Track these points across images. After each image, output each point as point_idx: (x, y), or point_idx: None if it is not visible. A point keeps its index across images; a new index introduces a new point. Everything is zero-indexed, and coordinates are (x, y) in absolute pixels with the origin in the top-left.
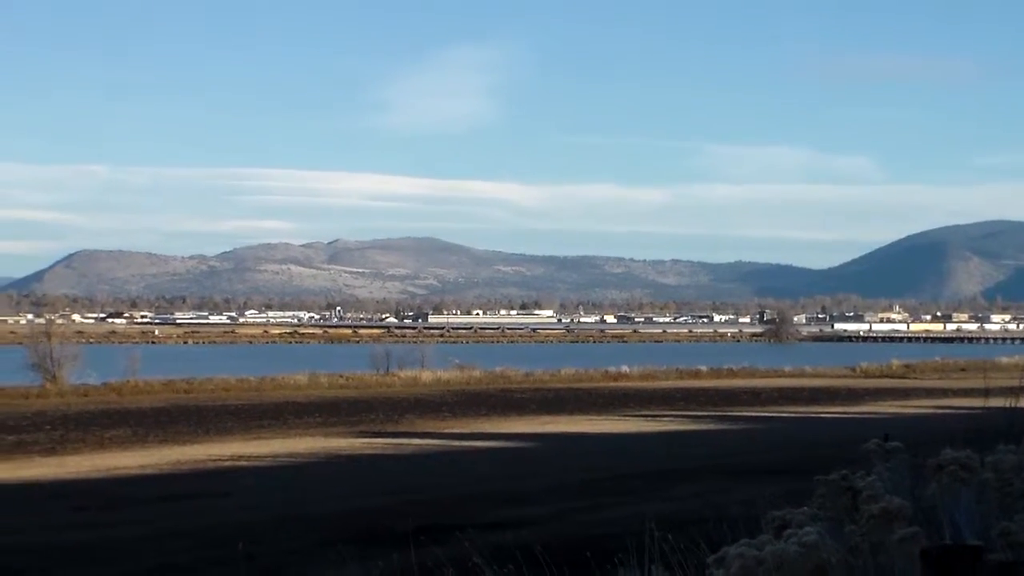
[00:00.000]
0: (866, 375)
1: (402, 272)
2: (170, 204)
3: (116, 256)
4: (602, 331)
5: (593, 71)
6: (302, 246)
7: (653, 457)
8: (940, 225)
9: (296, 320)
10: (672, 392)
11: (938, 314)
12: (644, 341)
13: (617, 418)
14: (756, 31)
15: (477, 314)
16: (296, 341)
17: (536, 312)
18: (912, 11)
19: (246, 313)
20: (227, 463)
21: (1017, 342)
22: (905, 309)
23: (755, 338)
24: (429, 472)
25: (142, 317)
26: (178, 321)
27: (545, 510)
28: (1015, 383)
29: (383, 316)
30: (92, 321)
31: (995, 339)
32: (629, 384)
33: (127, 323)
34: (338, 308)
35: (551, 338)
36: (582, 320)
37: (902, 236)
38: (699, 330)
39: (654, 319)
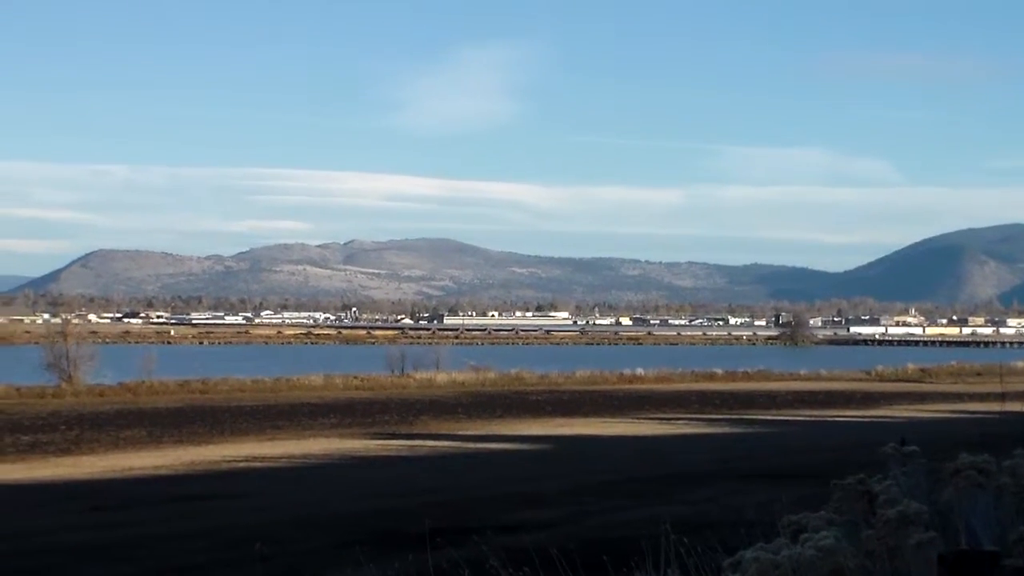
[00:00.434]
0: (882, 379)
1: (418, 273)
2: (187, 204)
3: (132, 256)
4: (616, 333)
5: (610, 72)
6: (318, 247)
7: (668, 460)
8: (956, 228)
9: (311, 321)
10: (687, 395)
11: (954, 318)
12: (659, 343)
13: (632, 421)
14: (774, 33)
15: (492, 316)
16: (311, 342)
17: (552, 314)
18: (930, 14)
19: (262, 314)
20: (242, 464)
21: None
22: (921, 313)
23: (770, 341)
24: (444, 474)
25: (158, 317)
26: (193, 321)
27: (561, 512)
28: None
29: (398, 317)
30: (108, 321)
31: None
32: (644, 387)
33: (143, 323)
34: (354, 309)
35: (565, 340)
36: (597, 322)
37: (918, 239)
38: (714, 333)
39: (669, 321)
